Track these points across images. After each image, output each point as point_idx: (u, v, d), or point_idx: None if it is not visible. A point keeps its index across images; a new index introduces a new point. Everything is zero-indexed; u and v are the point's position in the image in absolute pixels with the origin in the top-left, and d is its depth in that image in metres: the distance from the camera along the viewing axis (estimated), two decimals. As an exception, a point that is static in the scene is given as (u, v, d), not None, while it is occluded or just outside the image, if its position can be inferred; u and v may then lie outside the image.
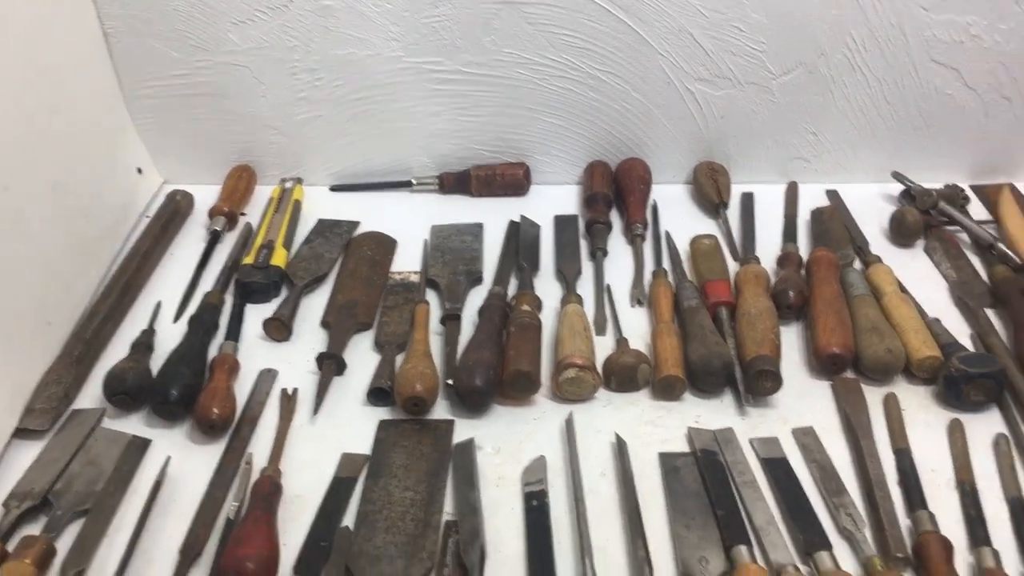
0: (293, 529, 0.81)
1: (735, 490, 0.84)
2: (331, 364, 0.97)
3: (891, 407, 0.91)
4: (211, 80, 1.20)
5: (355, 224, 1.21)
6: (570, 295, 1.05)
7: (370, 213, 1.23)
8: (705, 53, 1.17)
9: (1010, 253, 1.08)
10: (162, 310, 1.07)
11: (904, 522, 0.80)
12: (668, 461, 0.87)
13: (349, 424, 0.92)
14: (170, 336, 1.01)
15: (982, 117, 1.21)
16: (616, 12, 1.14)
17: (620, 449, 0.87)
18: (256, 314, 1.05)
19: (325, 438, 0.91)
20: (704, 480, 0.84)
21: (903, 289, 1.04)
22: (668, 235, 1.17)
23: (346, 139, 1.25)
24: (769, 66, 1.18)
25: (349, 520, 0.82)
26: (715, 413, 0.93)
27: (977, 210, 1.20)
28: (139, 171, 1.24)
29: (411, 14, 1.15)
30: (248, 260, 1.10)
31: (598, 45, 1.17)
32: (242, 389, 0.95)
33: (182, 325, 1.03)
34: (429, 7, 1.14)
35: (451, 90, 1.21)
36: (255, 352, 1.01)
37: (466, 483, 0.84)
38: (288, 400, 0.94)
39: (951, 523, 0.79)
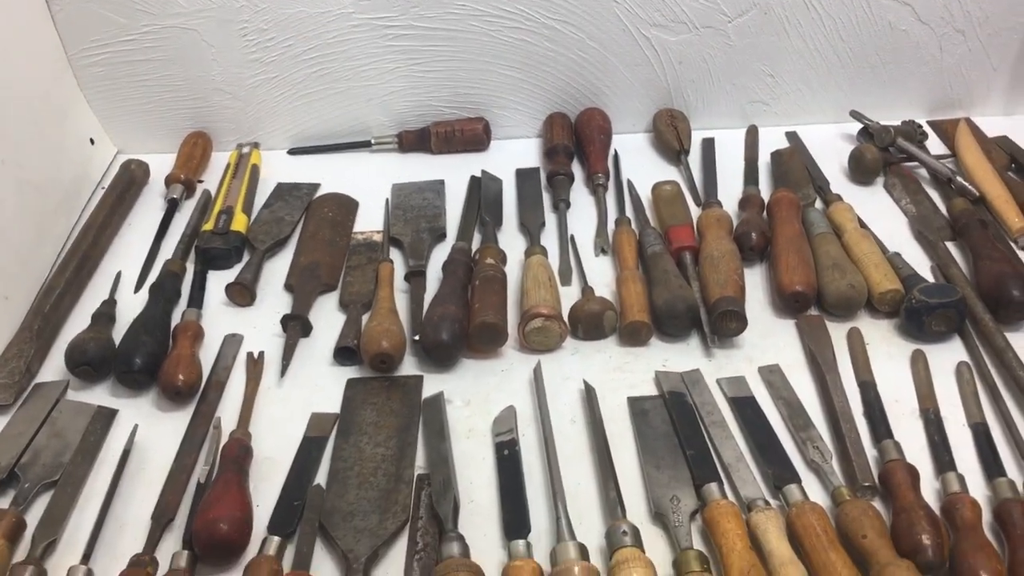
0: (265, 490, 0.80)
1: (704, 430, 0.84)
2: (296, 326, 0.96)
3: (855, 341, 0.92)
4: (159, 45, 1.17)
5: (315, 186, 1.20)
6: (534, 247, 1.05)
7: (330, 175, 1.22)
8: (660, -2, 1.16)
9: (968, 186, 1.09)
10: (122, 280, 1.05)
11: (871, 452, 0.81)
12: (637, 405, 0.87)
13: (317, 384, 0.92)
14: (131, 306, 1.00)
15: (937, 52, 1.21)
16: (568, -41, 1.13)
17: (589, 395, 0.87)
18: (218, 280, 1.04)
19: (293, 399, 0.90)
20: (673, 421, 0.85)
21: (863, 225, 1.05)
22: (630, 183, 1.17)
23: (301, 100, 1.23)
24: (724, 8, 1.17)
25: (321, 479, 0.82)
26: (682, 356, 0.93)
27: (935, 145, 1.21)
28: (92, 142, 1.21)
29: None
30: (208, 227, 1.09)
31: (552, -7, 1.16)
32: (207, 355, 0.95)
33: (143, 295, 1.02)
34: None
35: (405, 46, 1.19)
36: (219, 318, 1.00)
37: (437, 436, 0.84)
38: (254, 363, 0.94)
39: (916, 451, 0.81)
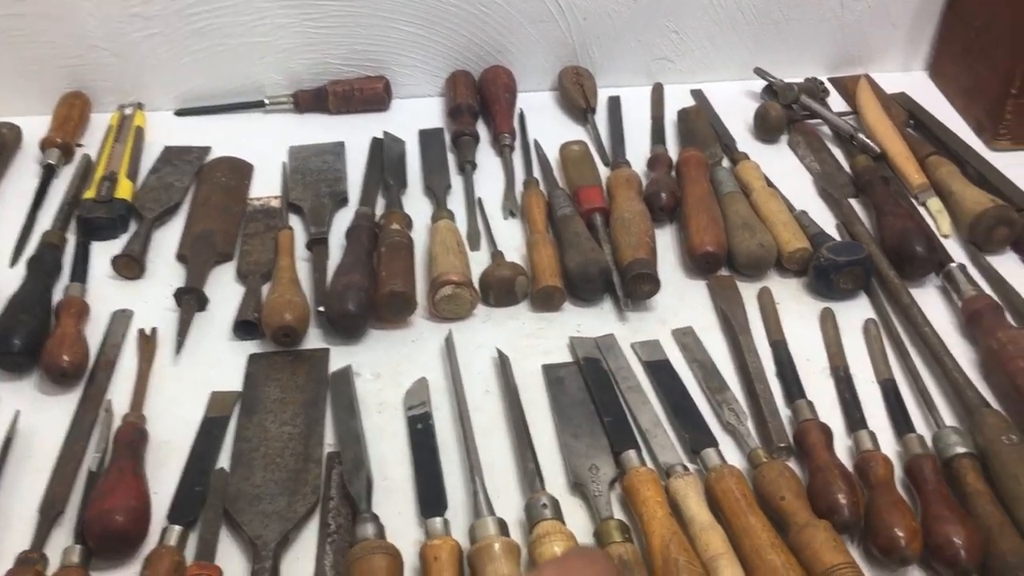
0: (164, 476, 0.76)
1: (620, 396, 0.83)
2: (191, 299, 0.91)
3: (765, 301, 0.92)
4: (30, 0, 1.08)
5: (206, 149, 1.13)
6: (440, 211, 1.01)
7: (222, 137, 1.15)
8: (563, -48, 1.13)
9: (869, 143, 1.10)
10: (-4, 254, 0.98)
11: (785, 412, 0.81)
12: (552, 372, 0.85)
13: (216, 361, 0.87)
14: (7, 282, 0.93)
15: (838, 8, 1.21)
16: (469, -91, 1.08)
17: (502, 364, 0.85)
18: (103, 252, 0.98)
19: (191, 378, 0.85)
20: (589, 388, 0.83)
21: (770, 184, 1.05)
22: (537, 143, 1.14)
23: (189, 58, 1.16)
24: (628, -37, 1.15)
25: (224, 462, 0.77)
26: (596, 320, 0.91)
27: (837, 102, 1.22)
28: (-45, 103, 1.12)
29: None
30: (89, 194, 1.02)
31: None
32: (94, 333, 0.89)
33: (20, 269, 0.95)
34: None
35: (299, 0, 1.13)
36: (106, 293, 0.94)
37: (346, 412, 0.81)
38: (147, 341, 0.88)
39: (829, 409, 0.81)
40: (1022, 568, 0.65)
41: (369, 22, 1.16)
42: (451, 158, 1.13)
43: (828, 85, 1.23)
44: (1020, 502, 0.69)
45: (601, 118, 1.20)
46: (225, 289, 0.94)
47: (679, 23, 1.21)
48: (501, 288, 0.92)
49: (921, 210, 1.03)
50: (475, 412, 0.81)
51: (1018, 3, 1.07)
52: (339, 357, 0.87)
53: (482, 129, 1.17)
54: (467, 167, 1.09)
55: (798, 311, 0.92)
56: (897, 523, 0.68)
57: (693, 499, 0.71)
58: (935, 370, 0.85)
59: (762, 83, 1.22)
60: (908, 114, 1.17)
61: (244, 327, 0.89)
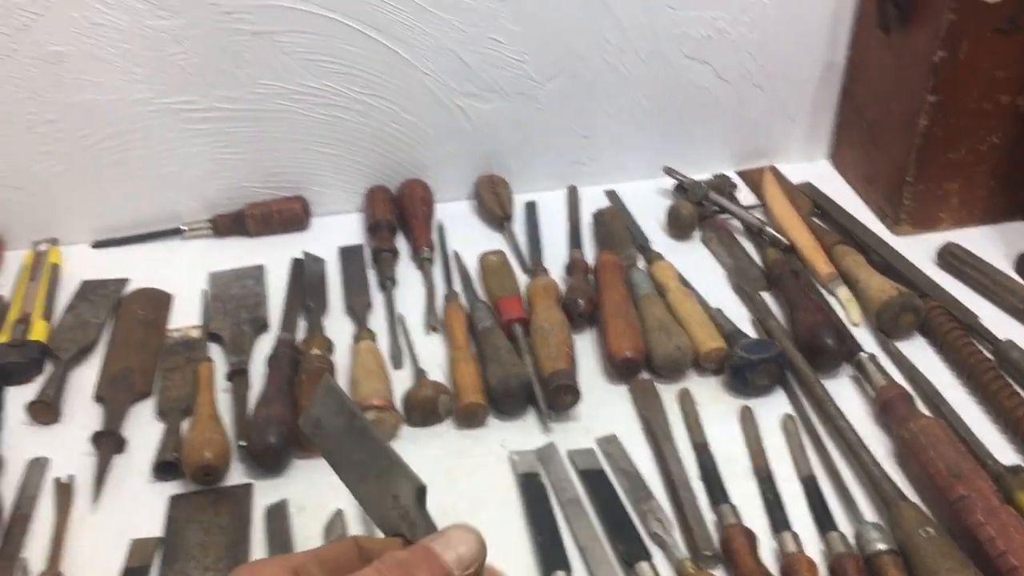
0: (81, 637, 0.73)
1: (560, 509, 0.83)
2: (109, 442, 0.89)
3: (685, 403, 0.93)
4: (-66, 143, 1.08)
5: (123, 282, 1.12)
6: (362, 331, 1.01)
7: (140, 268, 1.14)
8: (468, 68, 1.16)
9: (778, 235, 1.13)
10: (-95, 408, 0.95)
11: (710, 517, 0.82)
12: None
13: (137, 506, 0.85)
14: (-83, 437, 0.90)
15: (738, 106, 1.26)
16: (371, 34, 1.11)
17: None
18: (18, 397, 0.96)
19: (111, 526, 0.83)
20: (524, 506, 0.83)
21: (685, 283, 1.07)
22: (457, 255, 1.16)
23: (103, 191, 1.16)
24: (532, 75, 1.18)
25: (145, 615, 0.75)
26: (520, 433, 0.92)
27: (745, 196, 1.26)
28: None
29: (153, 53, 1.07)
30: (2, 338, 1.00)
31: (359, 69, 1.13)
32: (9, 486, 0.86)
33: (-70, 423, 0.92)
34: (172, 44, 1.07)
35: (210, 128, 1.14)
36: (21, 441, 0.92)
37: (282, 550, 0.79)
38: (64, 490, 0.86)
39: (753, 510, 0.82)
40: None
41: (283, 145, 1.18)
42: (372, 275, 1.13)
43: (736, 179, 1.27)
44: (940, 597, 0.70)
45: (519, 224, 1.22)
46: (145, 428, 0.93)
47: (588, 128, 1.24)
48: (425, 408, 0.92)
49: (831, 299, 1.06)
50: (402, 542, 0.80)
51: (905, 96, 1.12)
52: (264, 492, 0.86)
53: (403, 243, 1.18)
54: (387, 284, 1.10)
55: (718, 410, 0.93)
56: (823, 629, 0.68)
57: (622, 620, 0.71)
58: (853, 463, 0.86)
59: (673, 181, 1.25)
60: (813, 203, 1.21)
61: (164, 468, 0.87)
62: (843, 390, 0.94)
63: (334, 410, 0.50)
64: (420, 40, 1.12)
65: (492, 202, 1.22)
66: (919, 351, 0.99)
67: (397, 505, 0.47)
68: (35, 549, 0.81)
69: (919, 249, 1.12)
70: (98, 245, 1.19)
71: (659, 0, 1.15)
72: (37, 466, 0.89)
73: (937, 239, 1.14)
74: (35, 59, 1.05)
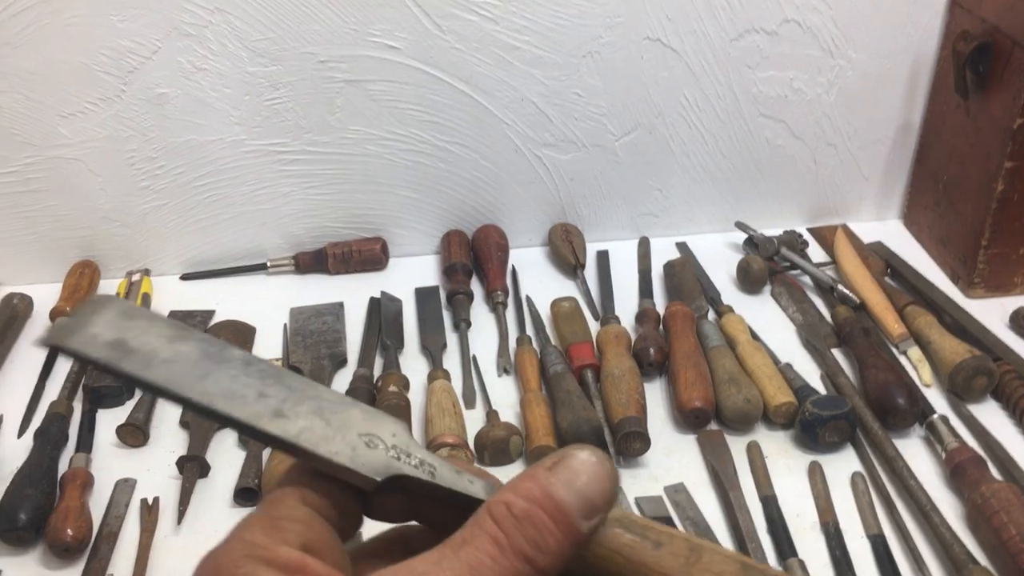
0: (163, 653, 0.77)
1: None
2: (193, 467, 0.93)
3: (754, 455, 0.94)
4: (43, 176, 1.14)
5: (210, 313, 1.17)
6: (436, 370, 1.04)
7: (225, 300, 1.19)
8: (548, 119, 1.20)
9: (849, 293, 1.14)
10: (4, 425, 1.00)
11: (778, 569, 0.82)
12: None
13: (218, 528, 0.89)
14: (15, 453, 0.95)
15: (812, 164, 1.28)
16: (458, 85, 1.15)
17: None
18: (109, 419, 1.00)
19: (193, 547, 0.87)
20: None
21: (755, 336, 1.08)
22: (529, 299, 1.19)
23: (194, 226, 1.22)
24: (610, 128, 1.21)
25: (223, 635, 0.78)
26: (589, 478, 0.93)
27: (816, 253, 1.27)
28: (-30, 276, 1.17)
29: (251, 98, 1.13)
30: (96, 363, 1.05)
31: (444, 117, 1.18)
32: (98, 504, 0.90)
33: (28, 440, 0.97)
34: (269, 90, 1.13)
35: (300, 170, 1.19)
36: (110, 462, 0.96)
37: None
38: (149, 511, 0.90)
39: (820, 566, 0.82)
40: None
41: (367, 188, 1.22)
42: (447, 315, 1.17)
43: (807, 236, 1.28)
44: (1012, 663, 0.70)
45: (591, 272, 1.24)
46: (227, 455, 0.97)
47: (662, 181, 1.27)
48: (496, 448, 0.94)
49: (902, 359, 1.06)
50: None
51: (982, 160, 1.12)
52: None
53: (477, 286, 1.21)
54: (462, 325, 1.13)
55: (787, 464, 0.94)
56: None
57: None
58: (923, 524, 0.86)
59: (744, 235, 1.27)
60: (885, 263, 1.22)
61: (245, 493, 0.91)
62: (913, 451, 0.94)
63: (150, 330, 0.37)
64: (503, 92, 1.17)
65: (565, 249, 1.25)
66: (991, 414, 0.99)
67: (379, 445, 0.37)
68: (121, 566, 0.85)
69: (992, 312, 1.12)
70: (186, 277, 1.25)
71: (737, 60, 1.17)
72: (125, 487, 0.93)
73: (1011, 303, 1.14)
74: (141, 100, 1.11)
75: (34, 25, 1.05)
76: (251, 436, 0.37)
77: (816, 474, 0.92)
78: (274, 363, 0.41)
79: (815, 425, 0.93)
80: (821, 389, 1.01)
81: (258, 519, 0.35)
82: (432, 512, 0.39)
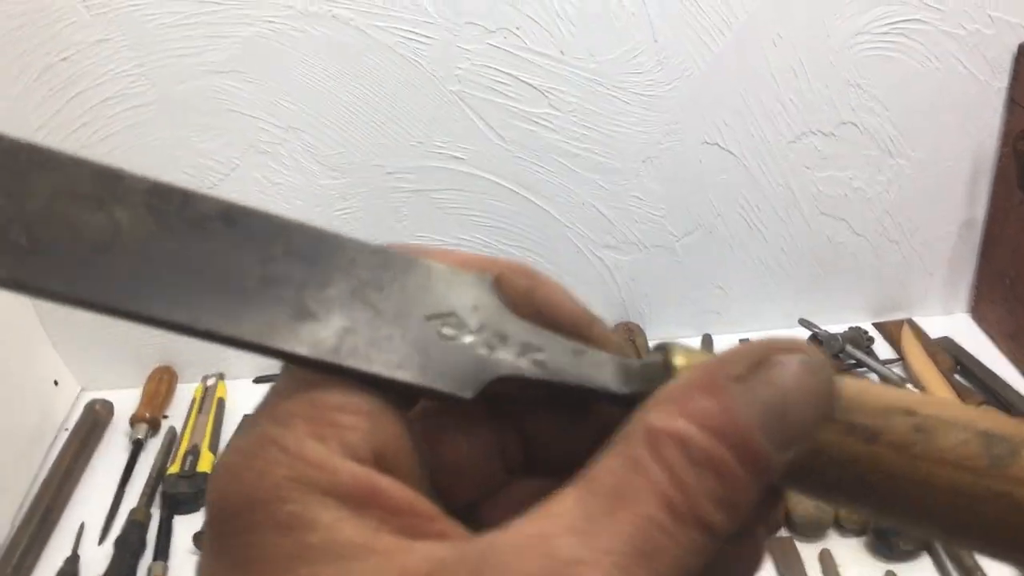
0: None
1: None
2: None
3: (826, 564, 0.93)
4: (126, 287, 1.20)
5: (281, 417, 1.20)
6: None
7: (295, 403, 1.22)
8: (609, 222, 1.22)
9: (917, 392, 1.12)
10: (86, 531, 1.03)
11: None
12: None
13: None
14: (96, 560, 0.98)
15: (874, 260, 1.27)
16: (521, 191, 1.18)
17: None
18: (185, 525, 1.03)
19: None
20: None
21: (823, 438, 1.07)
22: (593, 400, 1.19)
23: (266, 331, 1.25)
24: (671, 229, 1.23)
25: None
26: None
27: (882, 349, 1.26)
28: (55, 383, 1.21)
29: (322, 208, 1.17)
30: (173, 469, 1.08)
31: (507, 223, 1.21)
32: (175, 613, 0.93)
33: (108, 547, 1.00)
34: (339, 200, 1.17)
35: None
36: (186, 569, 0.98)
37: None
38: (224, 620, 0.91)
39: None
40: None
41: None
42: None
43: (873, 331, 1.27)
44: None
45: (654, 371, 1.25)
46: (299, 562, 0.98)
47: (723, 280, 1.28)
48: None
49: (976, 461, 1.04)
50: None
51: (1048, 255, 1.12)
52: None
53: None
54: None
55: (860, 574, 0.92)
56: None
57: None
58: (1006, 640, 0.84)
59: (808, 332, 1.27)
60: (954, 360, 1.20)
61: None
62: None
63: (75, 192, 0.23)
64: (565, 196, 1.19)
65: (628, 348, 1.26)
66: (1073, 521, 0.96)
67: (460, 332, 0.25)
68: (197, 677, 0.86)
69: (1068, 411, 1.10)
70: (259, 380, 1.28)
71: (796, 161, 1.19)
72: (201, 595, 0.95)
73: (1087, 400, 1.11)
74: (218, 213, 1.16)
75: (120, 148, 1.11)
76: (265, 355, 0.25)
77: (891, 585, 0.90)
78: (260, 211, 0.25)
79: (889, 532, 0.92)
80: (893, 494, 1.00)
81: (300, 408, 0.24)
82: (544, 414, 0.28)
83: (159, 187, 0.24)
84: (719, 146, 1.18)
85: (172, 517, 1.05)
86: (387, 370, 0.24)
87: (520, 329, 0.25)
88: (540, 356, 0.25)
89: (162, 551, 0.99)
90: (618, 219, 1.22)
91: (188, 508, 1.06)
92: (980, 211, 1.25)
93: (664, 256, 1.26)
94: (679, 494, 0.22)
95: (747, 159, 1.19)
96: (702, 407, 0.23)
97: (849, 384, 0.26)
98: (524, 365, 0.25)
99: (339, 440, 0.23)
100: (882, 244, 1.26)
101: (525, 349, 0.25)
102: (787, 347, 0.24)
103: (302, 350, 0.24)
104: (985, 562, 0.90)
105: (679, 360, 0.26)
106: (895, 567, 0.92)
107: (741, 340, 1.28)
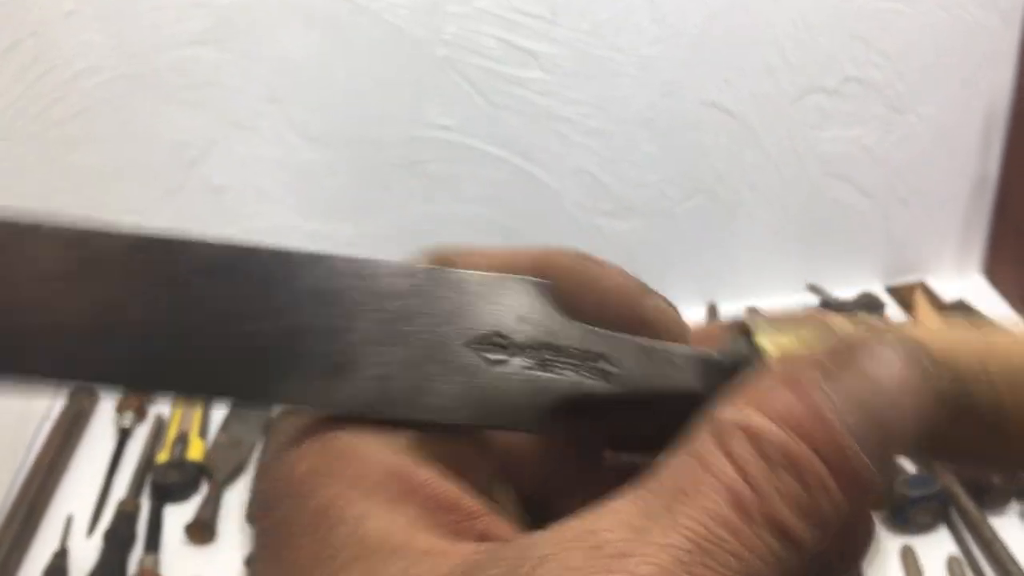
0: None
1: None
2: (260, 565, 0.91)
3: (841, 539, 0.89)
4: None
5: (274, 400, 1.16)
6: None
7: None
8: (606, 188, 1.17)
9: (932, 357, 1.08)
10: (73, 524, 1.00)
11: None
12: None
13: (285, 631, 0.86)
14: (85, 554, 0.95)
15: (883, 222, 1.23)
16: (514, 159, 1.14)
17: None
18: (176, 515, 1.00)
19: (261, 650, 0.85)
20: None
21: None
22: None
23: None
24: (670, 195, 1.19)
25: None
26: None
27: (895, 314, 1.21)
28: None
29: (307, 183, 1.13)
30: (162, 457, 1.05)
31: (499, 192, 1.16)
32: (167, 606, 0.89)
33: (97, 539, 0.97)
34: (326, 174, 1.13)
35: (357, 253, 1.19)
36: (178, 560, 0.95)
37: None
38: (217, 613, 0.88)
39: (919, 663, 0.77)
40: None
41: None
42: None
43: (884, 296, 1.23)
44: None
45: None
46: (294, 551, 0.95)
47: (726, 245, 1.23)
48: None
49: (994, 428, 1.00)
50: None
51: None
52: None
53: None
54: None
55: (877, 548, 0.89)
56: None
57: None
58: (1029, 614, 0.80)
59: (816, 297, 1.23)
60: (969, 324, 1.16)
61: (312, 593, 0.89)
62: (1013, 529, 0.88)
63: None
64: (558, 163, 1.15)
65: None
66: (1097, 488, 0.92)
67: (507, 353, 0.22)
68: (190, 673, 0.83)
69: (1089, 373, 1.06)
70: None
71: (800, 120, 1.14)
72: (193, 587, 0.92)
73: (1108, 361, 1.07)
74: (201, 191, 1.12)
75: (95, 124, 1.06)
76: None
77: (909, 559, 0.87)
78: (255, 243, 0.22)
79: (905, 507, 0.88)
80: (912, 469, 0.96)
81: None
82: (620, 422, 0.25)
83: (139, 242, 0.21)
84: (719, 106, 1.13)
85: (162, 507, 1.01)
86: (436, 416, 0.22)
87: (576, 335, 0.22)
88: (605, 366, 0.22)
89: (153, 542, 0.96)
90: (615, 185, 1.18)
91: (178, 497, 1.02)
92: (993, 168, 1.20)
93: (664, 222, 1.21)
94: (748, 490, 0.20)
95: (749, 119, 1.14)
96: (781, 400, 0.20)
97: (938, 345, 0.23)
98: (587, 381, 0.22)
99: (414, 446, 0.21)
100: (891, 205, 1.22)
101: (585, 359, 0.22)
102: (881, 332, 0.22)
103: (340, 411, 0.22)
104: (1004, 532, 0.87)
105: (765, 342, 0.23)
106: (912, 540, 0.89)
107: (748, 308, 1.24)
